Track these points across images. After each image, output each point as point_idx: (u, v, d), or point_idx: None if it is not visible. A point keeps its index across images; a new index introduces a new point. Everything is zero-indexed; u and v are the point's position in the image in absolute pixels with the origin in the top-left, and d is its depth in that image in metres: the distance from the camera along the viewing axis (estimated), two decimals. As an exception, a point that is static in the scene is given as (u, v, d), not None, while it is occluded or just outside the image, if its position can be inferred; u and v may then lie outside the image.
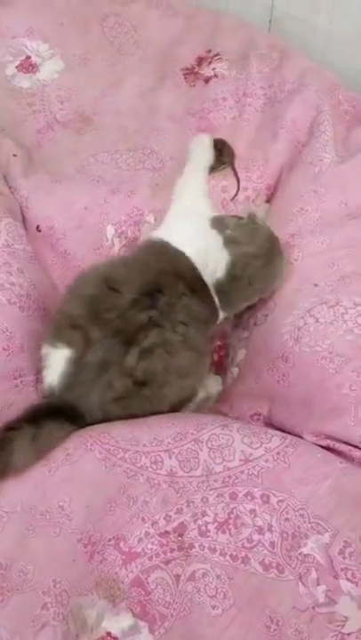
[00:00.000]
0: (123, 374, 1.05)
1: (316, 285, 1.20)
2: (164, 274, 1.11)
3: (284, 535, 0.93)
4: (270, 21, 1.90)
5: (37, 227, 1.34)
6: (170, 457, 0.99)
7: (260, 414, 1.17)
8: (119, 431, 1.03)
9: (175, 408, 1.12)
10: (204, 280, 1.16)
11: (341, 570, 0.90)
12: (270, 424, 1.14)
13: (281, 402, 1.14)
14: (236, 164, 1.42)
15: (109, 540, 0.92)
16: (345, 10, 1.75)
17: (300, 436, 1.06)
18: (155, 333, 1.06)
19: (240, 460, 0.98)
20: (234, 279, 1.17)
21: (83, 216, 1.33)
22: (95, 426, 1.05)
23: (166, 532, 0.93)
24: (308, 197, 1.34)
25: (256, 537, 0.93)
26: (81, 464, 0.98)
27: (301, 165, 1.42)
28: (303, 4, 1.81)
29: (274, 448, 1.00)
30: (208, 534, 0.93)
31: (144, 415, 1.07)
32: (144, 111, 1.52)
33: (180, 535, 0.93)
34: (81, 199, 1.33)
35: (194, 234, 1.18)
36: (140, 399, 1.07)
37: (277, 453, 1.00)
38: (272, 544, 0.93)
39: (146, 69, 1.62)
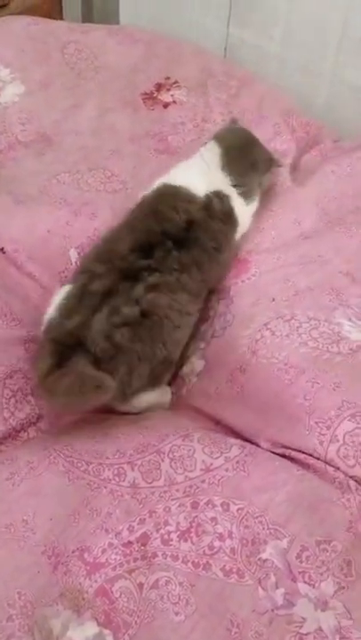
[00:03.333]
0: (129, 302, 1.10)
1: (273, 300, 1.25)
2: (153, 233, 1.19)
3: (244, 541, 0.95)
4: (225, 48, 1.98)
5: (2, 248, 1.35)
6: (132, 469, 1.00)
7: (220, 423, 1.20)
8: (82, 444, 1.04)
9: (157, 372, 1.16)
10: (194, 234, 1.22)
11: (299, 573, 0.92)
12: (231, 432, 1.15)
13: (240, 412, 1.17)
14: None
15: (73, 552, 0.93)
16: (296, 38, 1.84)
17: (258, 445, 1.09)
18: (156, 275, 1.14)
19: (201, 469, 1.00)
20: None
21: (46, 239, 1.34)
22: (59, 438, 1.06)
23: (130, 542, 0.95)
24: (264, 216, 1.40)
25: (217, 544, 0.95)
26: (45, 477, 0.99)
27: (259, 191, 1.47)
28: (257, 33, 1.90)
29: (233, 457, 1.02)
30: (170, 543, 0.95)
31: (141, 357, 1.12)
32: (104, 132, 1.56)
33: (143, 545, 0.95)
34: (44, 222, 1.35)
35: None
36: (144, 330, 1.11)
37: (237, 462, 1.01)
38: (232, 550, 0.95)
39: (105, 93, 1.66)
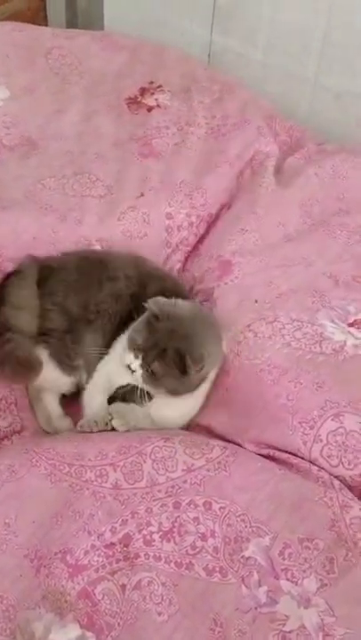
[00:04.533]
0: None
1: (256, 302, 1.26)
2: None
3: (227, 540, 0.96)
4: (209, 55, 1.99)
5: None
6: (115, 470, 1.01)
7: (203, 426, 1.20)
8: (64, 446, 1.05)
9: None
10: None
11: (282, 570, 0.93)
12: (213, 434, 1.17)
13: (224, 413, 1.17)
14: (181, 189, 1.47)
15: (56, 554, 0.94)
16: (279, 44, 1.85)
17: (240, 446, 1.10)
18: None
19: (182, 470, 1.01)
20: None
21: (32, 246, 1.32)
22: (40, 441, 1.07)
23: (112, 544, 0.95)
24: (247, 219, 1.41)
25: (200, 543, 0.96)
26: (27, 480, 1.00)
27: (243, 194, 1.50)
28: (240, 39, 1.91)
29: (215, 458, 1.03)
30: (153, 543, 0.96)
31: None
32: (88, 136, 1.54)
33: (126, 546, 0.95)
34: (29, 228, 1.33)
35: None
36: None
37: (218, 463, 1.02)
38: (215, 549, 0.96)
39: (90, 98, 1.65)
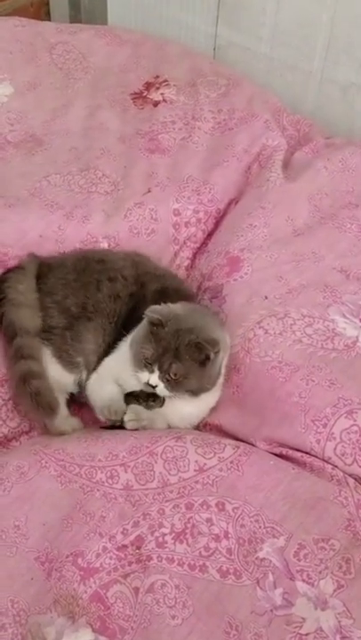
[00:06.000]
0: None
1: (266, 298, 1.24)
2: None
3: (241, 541, 0.94)
4: (215, 49, 1.96)
5: None
6: (125, 471, 0.99)
7: (214, 425, 1.18)
8: (74, 447, 1.03)
9: None
10: None
11: (297, 572, 0.91)
12: (224, 433, 1.15)
13: (235, 412, 1.16)
14: (188, 184, 1.45)
15: (67, 557, 0.92)
16: (285, 38, 1.83)
17: (253, 445, 1.09)
18: None
19: (195, 470, 0.99)
20: None
21: (38, 244, 1.31)
22: (49, 442, 1.05)
23: (124, 546, 0.94)
24: (256, 214, 1.38)
25: (213, 545, 0.94)
26: (36, 482, 0.98)
27: (251, 189, 1.48)
28: (245, 33, 1.88)
29: (227, 457, 1.02)
30: (166, 545, 0.94)
31: None
32: (94, 132, 1.53)
33: (138, 548, 0.93)
34: (35, 226, 1.32)
35: None
36: None
37: (231, 462, 1.01)
38: (229, 551, 0.94)
39: (95, 93, 1.64)
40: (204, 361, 1.07)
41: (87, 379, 1.18)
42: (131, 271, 1.25)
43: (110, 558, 0.92)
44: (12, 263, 1.30)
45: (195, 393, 1.10)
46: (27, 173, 1.43)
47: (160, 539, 0.94)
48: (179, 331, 1.07)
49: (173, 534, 0.95)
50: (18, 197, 1.36)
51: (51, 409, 1.11)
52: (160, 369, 1.07)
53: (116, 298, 1.21)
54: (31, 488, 0.98)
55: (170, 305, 1.13)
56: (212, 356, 1.07)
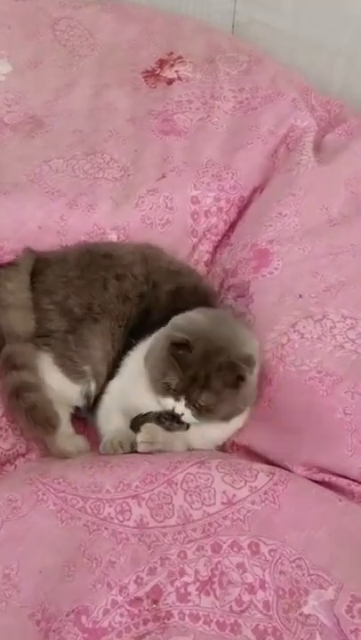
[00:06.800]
0: None
1: (300, 297, 1.12)
2: None
3: (280, 592, 0.82)
4: (233, 26, 1.85)
5: None
6: (139, 504, 0.88)
7: (241, 446, 1.07)
8: (77, 475, 0.91)
9: None
10: None
11: (351, 632, 0.79)
12: (255, 456, 1.05)
13: (265, 430, 1.05)
14: (208, 169, 1.33)
15: (68, 615, 0.79)
16: (309, 14, 1.71)
17: (289, 470, 0.98)
18: None
19: (222, 503, 0.88)
20: None
21: (37, 236, 1.20)
22: (48, 469, 0.93)
23: (138, 599, 0.81)
24: (285, 201, 1.27)
25: (247, 597, 0.81)
26: (31, 518, 0.86)
27: (278, 174, 1.36)
28: (266, 9, 1.76)
29: (261, 487, 0.90)
30: (189, 598, 0.81)
31: None
32: (101, 112, 1.41)
33: (155, 602, 0.81)
34: (34, 216, 1.21)
35: None
36: None
37: (265, 493, 0.90)
38: (266, 605, 0.81)
39: (102, 72, 1.52)
40: (238, 382, 0.97)
41: (95, 392, 1.07)
42: (141, 268, 1.13)
43: (121, 615, 0.80)
44: (7, 259, 1.18)
45: (226, 418, 1.00)
46: (25, 157, 1.31)
47: (182, 590, 0.82)
48: (208, 353, 0.96)
49: (198, 584, 0.82)
50: (14, 183, 1.25)
51: (50, 425, 0.99)
52: (188, 398, 0.97)
53: (125, 299, 1.10)
54: (25, 526, 0.86)
55: (191, 316, 1.02)
56: (246, 375, 0.97)
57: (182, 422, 0.97)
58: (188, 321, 1.00)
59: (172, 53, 1.56)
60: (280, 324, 1.08)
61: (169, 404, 0.97)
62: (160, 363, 0.97)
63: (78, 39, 1.59)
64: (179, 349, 0.96)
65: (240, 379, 0.96)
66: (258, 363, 1.02)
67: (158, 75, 1.52)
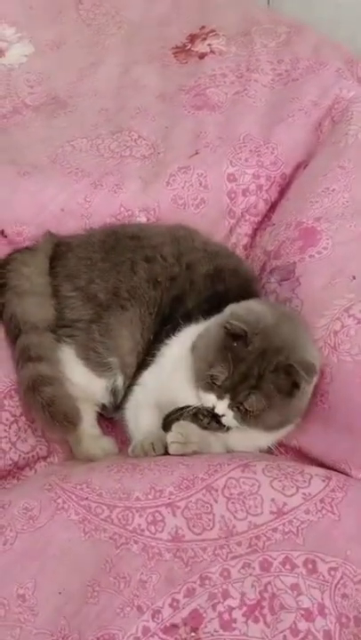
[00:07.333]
0: None
1: (354, 278, 1.02)
2: None
3: (344, 620, 0.72)
4: (269, 1, 1.77)
5: (2, 231, 1.14)
6: (174, 513, 0.79)
7: (291, 448, 0.99)
8: (103, 480, 0.82)
9: None
10: None
11: None
12: (306, 458, 0.97)
13: (320, 429, 0.96)
14: (245, 144, 1.25)
15: None
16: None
17: (347, 475, 0.90)
18: None
19: (271, 512, 0.79)
20: None
21: (59, 221, 1.15)
22: (69, 473, 0.84)
23: (174, 626, 0.71)
24: (333, 175, 1.17)
25: (303, 625, 0.71)
26: (50, 530, 0.78)
27: (324, 147, 1.26)
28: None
29: (316, 494, 0.81)
30: (234, 625, 0.71)
31: None
32: (127, 91, 1.37)
33: (194, 629, 0.71)
34: (56, 198, 1.16)
35: None
36: None
37: (321, 501, 0.81)
38: (328, 635, 0.71)
39: (130, 50, 1.47)
40: (293, 390, 0.88)
41: (124, 385, 0.98)
42: (171, 248, 1.04)
43: (154, 645, 0.70)
44: (28, 244, 1.12)
45: (272, 428, 0.91)
46: (47, 138, 1.28)
47: (225, 615, 0.72)
48: (266, 351, 0.88)
49: (245, 608, 0.72)
50: (35, 165, 1.20)
51: (69, 422, 0.91)
52: (233, 398, 0.87)
53: (155, 283, 1.01)
54: (42, 539, 0.77)
55: (252, 306, 0.93)
56: (303, 384, 0.88)
57: (222, 423, 0.87)
58: (247, 311, 0.90)
59: (203, 27, 1.50)
60: (332, 309, 0.98)
61: (210, 400, 0.87)
62: (210, 352, 0.88)
63: (104, 17, 1.56)
64: (234, 341, 0.86)
65: (296, 386, 0.87)
66: (317, 375, 0.91)
67: (189, 50, 1.46)
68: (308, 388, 0.90)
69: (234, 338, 0.86)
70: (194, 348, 0.91)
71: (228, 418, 0.88)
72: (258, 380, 0.86)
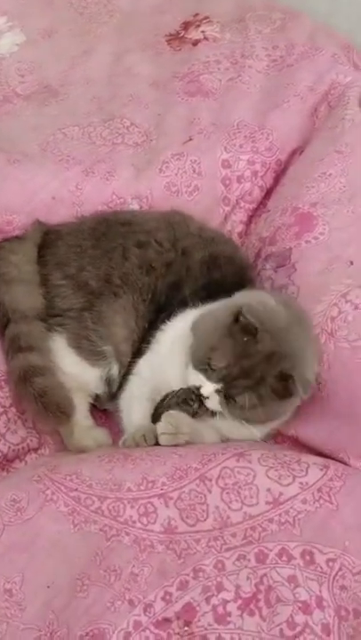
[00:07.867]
0: None
1: (351, 264, 1.01)
2: None
3: (343, 612, 0.71)
4: (263, -12, 1.74)
5: None
6: (166, 504, 0.78)
7: (288, 436, 0.99)
8: (93, 470, 0.81)
9: None
10: None
11: None
12: (303, 447, 0.96)
13: (317, 418, 0.95)
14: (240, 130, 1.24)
15: (81, 638, 0.70)
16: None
17: (345, 464, 0.89)
18: None
19: (267, 502, 0.78)
20: None
21: (50, 209, 1.13)
22: (59, 464, 0.82)
23: (166, 620, 0.70)
24: (330, 159, 1.16)
25: (301, 618, 0.70)
26: (39, 523, 0.77)
27: (320, 133, 1.26)
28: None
29: (313, 483, 0.80)
30: (229, 619, 0.70)
31: None
32: (120, 79, 1.36)
33: (188, 623, 0.70)
34: (47, 186, 1.14)
35: None
36: None
37: (319, 490, 0.80)
38: (326, 628, 0.70)
39: (121, 38, 1.46)
40: (286, 396, 0.87)
41: (119, 374, 0.97)
42: (166, 234, 1.03)
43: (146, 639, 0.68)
44: (18, 233, 1.11)
45: (255, 422, 0.89)
46: (38, 126, 1.26)
47: (220, 609, 0.70)
48: (273, 355, 0.86)
49: (240, 602, 0.71)
50: (25, 153, 1.18)
51: (62, 412, 0.90)
52: (226, 389, 0.86)
53: (148, 269, 0.99)
54: (31, 532, 0.76)
55: (266, 301, 0.90)
56: (297, 397, 0.88)
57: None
58: (261, 306, 0.88)
59: (197, 14, 1.49)
60: (329, 295, 0.97)
61: (199, 380, 0.85)
62: (214, 337, 0.86)
63: (96, 6, 1.55)
64: (244, 334, 0.84)
65: (290, 394, 0.87)
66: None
67: (183, 37, 1.45)
68: (299, 397, 0.89)
69: (244, 331, 0.84)
70: (195, 327, 0.89)
71: (213, 402, 0.87)
72: (258, 382, 0.85)
